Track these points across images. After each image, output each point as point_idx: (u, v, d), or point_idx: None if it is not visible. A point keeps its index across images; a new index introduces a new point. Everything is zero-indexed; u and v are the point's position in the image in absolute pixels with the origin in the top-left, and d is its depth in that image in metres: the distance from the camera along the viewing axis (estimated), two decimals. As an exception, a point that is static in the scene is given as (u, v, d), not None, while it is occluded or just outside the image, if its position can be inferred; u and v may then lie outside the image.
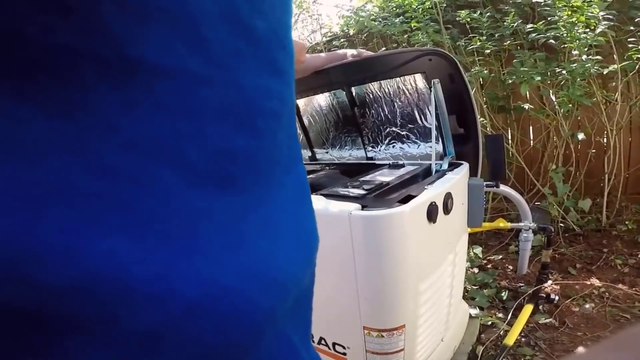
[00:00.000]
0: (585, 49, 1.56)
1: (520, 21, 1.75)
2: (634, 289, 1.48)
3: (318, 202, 0.76)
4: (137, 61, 0.14)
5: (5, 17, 0.11)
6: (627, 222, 1.87)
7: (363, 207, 0.69)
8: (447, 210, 0.80)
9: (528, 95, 1.89)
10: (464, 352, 1.14)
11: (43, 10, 0.12)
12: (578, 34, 1.50)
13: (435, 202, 0.74)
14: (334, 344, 0.87)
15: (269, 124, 0.19)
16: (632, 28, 1.59)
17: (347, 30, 2.45)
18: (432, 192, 0.76)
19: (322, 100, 1.34)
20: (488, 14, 1.83)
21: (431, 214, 0.73)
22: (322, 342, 0.89)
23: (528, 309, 1.32)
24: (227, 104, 0.17)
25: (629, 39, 1.61)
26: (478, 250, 1.74)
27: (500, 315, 1.40)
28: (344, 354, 0.87)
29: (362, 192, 0.81)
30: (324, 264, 0.77)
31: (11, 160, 0.12)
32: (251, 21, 0.18)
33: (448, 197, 0.80)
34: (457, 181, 0.88)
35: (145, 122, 0.14)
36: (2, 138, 0.12)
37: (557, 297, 1.43)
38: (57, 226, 0.12)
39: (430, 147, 1.17)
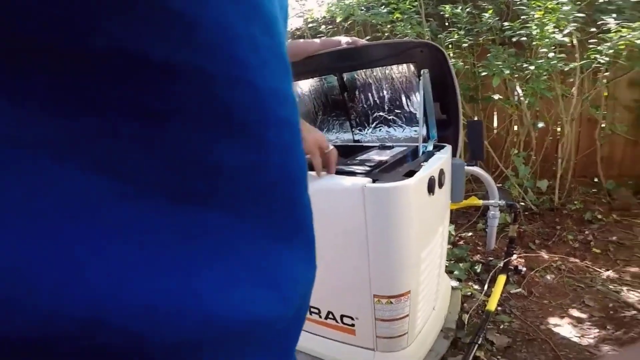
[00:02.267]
0: (552, 47, 1.77)
1: (496, 18, 1.93)
2: (584, 261, 1.73)
3: (327, 178, 0.84)
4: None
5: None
6: (575, 202, 2.16)
7: (374, 181, 0.78)
8: (441, 184, 0.92)
9: (500, 87, 2.11)
10: (452, 320, 1.28)
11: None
12: (548, 33, 1.71)
13: (433, 177, 0.86)
14: (342, 317, 0.96)
15: (283, 136, 0.18)
16: (594, 30, 1.83)
17: (331, 17, 2.51)
18: (430, 168, 0.87)
19: (312, 84, 1.41)
20: (468, 9, 1.99)
21: (431, 186, 0.84)
22: (330, 316, 0.98)
23: (502, 278, 1.50)
24: (225, 109, 0.16)
25: (589, 40, 1.84)
26: (451, 228, 1.92)
27: (476, 286, 1.58)
28: (352, 325, 0.96)
29: (367, 168, 0.90)
30: (336, 239, 0.86)
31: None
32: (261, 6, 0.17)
33: (441, 173, 0.93)
34: (445, 160, 1.01)
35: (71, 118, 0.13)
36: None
37: (524, 269, 1.65)
38: None
39: (415, 131, 1.29)
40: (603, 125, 2.18)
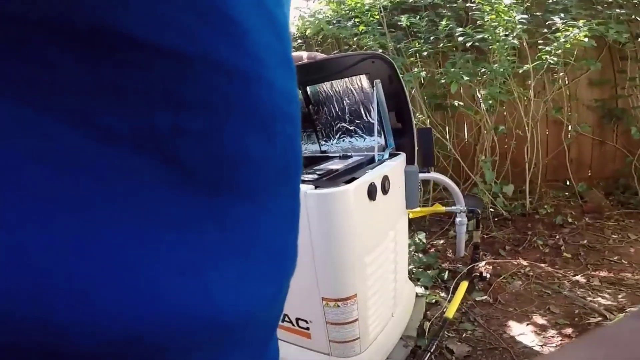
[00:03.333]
0: (505, 51, 1.87)
1: (452, 25, 2.03)
2: (553, 267, 1.77)
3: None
4: (152, 46, 0.14)
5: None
6: (546, 206, 2.24)
7: (316, 188, 0.84)
8: (385, 190, 0.98)
9: (462, 94, 2.20)
10: (413, 327, 1.32)
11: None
12: (499, 37, 1.80)
13: (374, 183, 0.92)
14: (297, 320, 1.01)
15: (286, 129, 0.19)
16: (545, 30, 1.94)
17: (303, 32, 2.61)
18: (371, 175, 0.94)
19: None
20: (427, 18, 2.10)
21: (371, 193, 0.90)
22: (286, 319, 1.03)
23: (463, 285, 1.56)
24: (253, 104, 0.17)
25: (538, 42, 1.95)
26: (422, 235, 1.98)
27: (443, 294, 1.63)
28: (307, 328, 1.01)
29: (316, 177, 0.96)
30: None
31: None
32: (275, 9, 0.18)
33: (385, 179, 0.99)
34: (393, 167, 1.07)
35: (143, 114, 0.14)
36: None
37: (488, 275, 1.70)
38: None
39: (374, 140, 1.36)
40: (569, 127, 2.26)
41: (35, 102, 0.12)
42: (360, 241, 0.90)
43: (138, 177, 0.14)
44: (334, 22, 2.43)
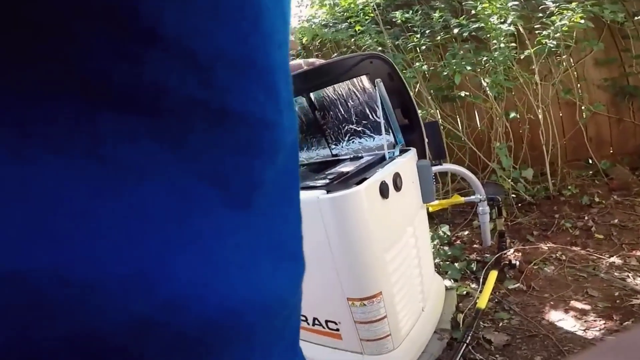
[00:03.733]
0: (502, 38, 1.85)
1: (447, 16, 2.04)
2: (586, 249, 1.70)
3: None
4: (228, 111, 0.17)
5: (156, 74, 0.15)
6: (570, 187, 2.17)
7: (328, 192, 0.86)
8: (397, 187, 1.00)
9: (468, 83, 2.18)
10: (447, 320, 1.31)
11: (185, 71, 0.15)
12: (494, 25, 1.80)
13: (385, 181, 0.93)
14: (326, 322, 1.03)
15: (288, 154, 0.23)
16: (541, 15, 1.92)
17: (300, 39, 2.65)
18: (382, 174, 0.95)
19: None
20: (419, 12, 2.10)
21: (383, 191, 0.92)
22: (316, 322, 1.05)
23: (493, 274, 1.53)
24: (271, 142, 0.20)
25: (535, 27, 1.94)
26: (445, 228, 1.96)
27: (473, 285, 1.60)
28: (337, 329, 1.03)
29: (327, 181, 0.99)
30: (305, 248, 0.91)
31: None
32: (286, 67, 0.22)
33: (396, 176, 1.00)
34: (403, 163, 1.08)
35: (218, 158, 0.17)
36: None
37: (517, 262, 1.65)
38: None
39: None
40: (582, 107, 2.21)
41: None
42: (377, 240, 0.92)
43: (194, 196, 0.17)
44: (330, 25, 2.45)
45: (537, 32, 1.89)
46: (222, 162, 0.18)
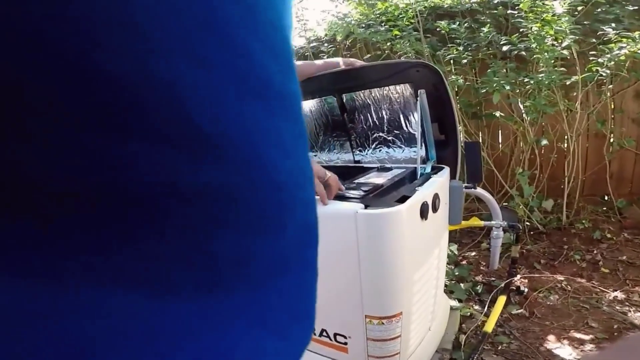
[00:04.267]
0: (552, 61, 1.79)
1: (494, 32, 1.97)
2: (591, 282, 1.72)
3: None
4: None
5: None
6: (584, 221, 2.16)
7: (366, 207, 0.82)
8: (435, 209, 0.96)
9: (502, 103, 2.13)
10: (449, 340, 1.30)
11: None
12: (547, 47, 1.74)
13: (426, 202, 0.89)
14: (335, 335, 1.00)
15: (298, 214, 0.21)
16: (594, 40, 1.86)
17: (332, 36, 2.58)
18: (424, 193, 0.91)
19: (313, 105, 1.46)
20: (466, 24, 2.04)
21: (423, 212, 0.88)
22: (324, 333, 1.01)
23: (502, 299, 1.52)
24: (256, 209, 0.18)
25: (590, 52, 1.87)
26: (454, 247, 1.94)
27: (477, 307, 1.60)
28: (345, 343, 1.00)
29: (362, 193, 0.94)
30: (328, 260, 0.89)
31: None
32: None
33: (436, 197, 0.96)
34: (442, 183, 1.04)
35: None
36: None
37: (526, 289, 1.65)
38: None
39: (414, 151, 1.33)
40: (611, 140, 2.17)
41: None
42: (410, 261, 0.88)
43: (129, 306, 0.15)
44: (363, 25, 2.38)
45: (591, 58, 1.83)
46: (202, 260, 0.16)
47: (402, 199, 0.86)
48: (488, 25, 1.96)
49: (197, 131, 0.15)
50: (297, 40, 2.62)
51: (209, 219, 0.16)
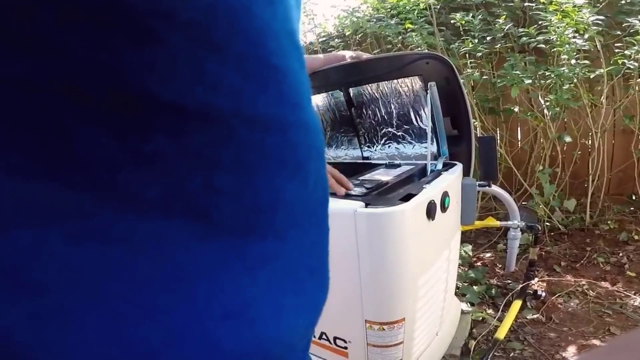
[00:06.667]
0: (574, 54, 1.66)
1: (511, 24, 1.84)
2: (615, 286, 1.59)
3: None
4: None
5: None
6: (609, 222, 2.01)
7: (367, 205, 0.75)
8: (444, 208, 0.87)
9: (521, 98, 2.00)
10: (457, 346, 1.21)
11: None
12: (568, 39, 1.60)
13: (434, 201, 0.80)
14: (335, 339, 0.93)
15: (318, 166, 0.19)
16: (619, 32, 1.71)
17: (341, 31, 2.50)
18: (431, 191, 0.82)
19: (319, 100, 1.39)
20: (480, 16, 1.91)
21: (430, 211, 0.79)
22: (323, 337, 0.95)
23: (517, 304, 1.41)
24: (290, 151, 0.17)
25: (615, 44, 1.73)
26: (468, 248, 1.83)
27: (490, 311, 1.49)
28: (345, 347, 0.93)
29: (364, 190, 0.87)
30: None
31: None
32: (299, 42, 0.18)
33: (445, 195, 0.87)
34: (452, 181, 0.95)
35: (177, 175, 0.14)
36: None
37: (544, 293, 1.53)
38: None
39: (425, 147, 1.24)
40: (640, 136, 2.00)
41: (61, 177, 0.12)
42: (414, 264, 0.80)
43: (170, 238, 0.14)
44: (374, 20, 2.29)
45: (617, 51, 1.68)
46: (183, 181, 0.14)
47: (407, 198, 0.77)
48: (504, 17, 1.82)
49: (266, 61, 0.15)
50: (306, 37, 2.57)
51: (260, 151, 0.16)
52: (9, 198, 0.11)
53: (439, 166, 1.08)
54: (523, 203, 2.06)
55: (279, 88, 0.16)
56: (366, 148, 1.40)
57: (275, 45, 0.15)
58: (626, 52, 1.63)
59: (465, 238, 2.06)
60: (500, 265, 1.81)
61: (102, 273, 0.13)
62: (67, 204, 0.12)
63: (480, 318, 1.44)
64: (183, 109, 0.13)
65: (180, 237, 0.14)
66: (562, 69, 1.66)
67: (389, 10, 2.28)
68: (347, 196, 0.83)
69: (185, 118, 0.13)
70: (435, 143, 1.16)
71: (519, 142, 2.19)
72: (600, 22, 1.63)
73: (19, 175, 0.11)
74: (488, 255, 1.93)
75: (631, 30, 1.65)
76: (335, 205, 0.78)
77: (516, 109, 1.90)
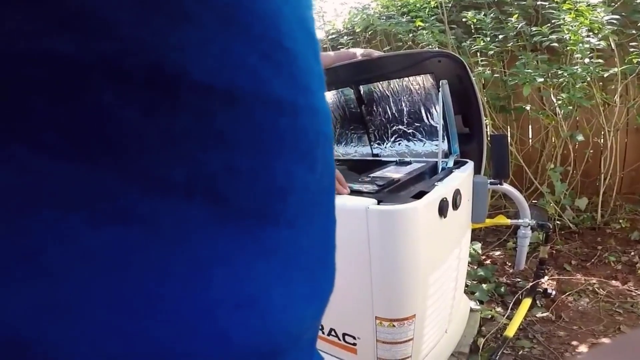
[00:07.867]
0: (588, 53, 1.62)
1: (523, 23, 1.81)
2: (626, 285, 1.56)
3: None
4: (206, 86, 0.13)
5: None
6: (620, 221, 1.96)
7: (379, 202, 0.74)
8: (455, 206, 0.86)
9: (533, 96, 1.96)
10: (466, 343, 1.21)
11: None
12: (582, 38, 1.57)
13: (446, 198, 0.80)
14: (344, 335, 0.93)
15: (325, 153, 0.19)
16: (633, 31, 1.67)
17: (351, 28, 2.49)
18: (443, 189, 0.81)
19: (329, 97, 1.39)
20: (492, 15, 1.88)
21: (442, 209, 0.78)
22: (332, 333, 0.95)
23: (526, 302, 1.39)
24: (300, 134, 0.17)
25: (630, 43, 1.69)
26: (477, 246, 1.81)
27: (499, 309, 1.47)
28: (354, 344, 0.92)
29: (376, 187, 0.86)
30: (337, 256, 0.82)
31: None
32: (313, 28, 0.18)
33: (457, 193, 0.86)
34: (464, 179, 0.94)
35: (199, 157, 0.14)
36: None
37: (554, 292, 1.51)
38: None
39: (436, 145, 1.22)
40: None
41: (90, 157, 0.12)
42: (425, 261, 0.79)
43: (189, 220, 0.14)
44: (384, 17, 2.27)
45: (631, 50, 1.65)
46: (204, 161, 0.14)
47: (419, 195, 0.77)
48: (516, 15, 1.79)
49: (280, 43, 0.15)
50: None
51: (275, 133, 0.16)
52: (34, 177, 0.11)
53: (450, 164, 1.07)
54: (534, 201, 2.03)
55: (290, 70, 0.16)
56: (376, 145, 1.39)
57: (287, 28, 0.16)
58: None
59: (475, 236, 2.04)
60: (509, 264, 1.79)
61: (117, 258, 0.12)
62: (93, 185, 0.12)
63: (489, 316, 1.42)
64: (211, 89, 0.13)
65: (199, 220, 0.14)
66: (576, 67, 1.63)
67: (400, 7, 2.26)
68: (359, 193, 0.82)
69: (212, 98, 0.13)
70: (446, 141, 1.15)
71: (530, 140, 2.16)
72: (614, 21, 1.59)
73: (47, 155, 0.11)
74: (497, 253, 1.90)
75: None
76: (347, 202, 0.78)
77: (527, 107, 1.87)
